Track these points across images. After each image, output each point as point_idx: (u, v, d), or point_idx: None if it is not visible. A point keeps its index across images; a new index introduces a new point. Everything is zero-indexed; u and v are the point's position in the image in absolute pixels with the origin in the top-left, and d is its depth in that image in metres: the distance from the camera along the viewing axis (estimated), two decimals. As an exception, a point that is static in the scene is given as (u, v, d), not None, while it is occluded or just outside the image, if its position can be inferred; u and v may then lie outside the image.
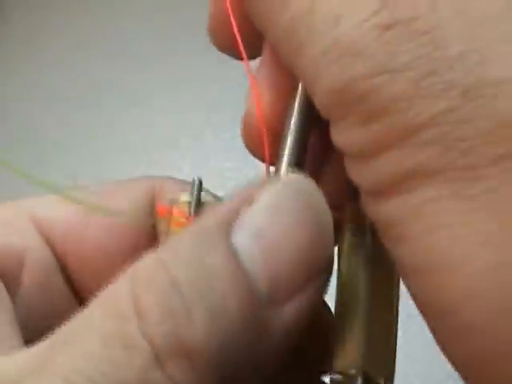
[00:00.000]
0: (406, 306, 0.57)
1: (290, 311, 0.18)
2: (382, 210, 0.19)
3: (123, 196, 0.26)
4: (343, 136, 0.19)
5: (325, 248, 0.19)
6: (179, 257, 0.18)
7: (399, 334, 0.33)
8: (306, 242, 0.19)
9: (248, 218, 0.19)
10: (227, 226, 0.18)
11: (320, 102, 0.19)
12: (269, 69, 0.24)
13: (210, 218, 0.19)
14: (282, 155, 0.22)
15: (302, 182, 0.20)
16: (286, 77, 0.23)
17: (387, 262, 0.22)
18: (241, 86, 0.72)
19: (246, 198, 0.19)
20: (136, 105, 0.65)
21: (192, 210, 0.25)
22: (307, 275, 0.19)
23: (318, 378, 0.23)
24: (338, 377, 0.22)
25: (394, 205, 0.18)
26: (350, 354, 0.22)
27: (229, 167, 0.65)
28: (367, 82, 0.18)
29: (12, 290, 0.22)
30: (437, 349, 0.33)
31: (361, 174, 0.19)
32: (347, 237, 0.24)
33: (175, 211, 0.26)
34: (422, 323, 0.21)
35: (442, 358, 0.33)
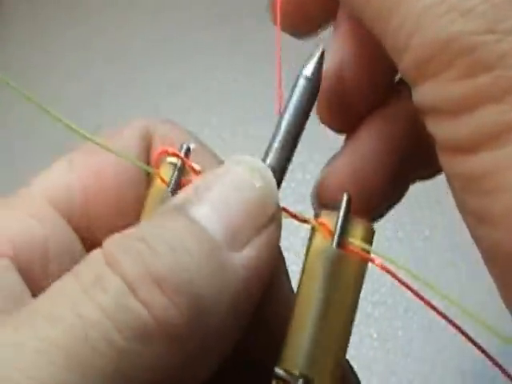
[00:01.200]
0: (406, 306, 0.57)
1: (246, 254, 0.21)
2: (470, 165, 0.20)
3: (118, 142, 0.27)
4: (440, 90, 0.20)
5: (268, 202, 0.23)
6: (144, 226, 0.22)
7: (399, 333, 0.34)
8: (252, 197, 0.22)
9: (201, 195, 0.22)
10: (184, 205, 0.22)
11: (416, 56, 0.20)
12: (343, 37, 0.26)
13: (169, 204, 0.22)
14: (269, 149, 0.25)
15: (247, 159, 0.23)
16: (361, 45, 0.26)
17: (350, 277, 0.24)
18: (241, 86, 0.72)
19: (200, 182, 0.22)
20: (136, 105, 0.65)
21: (174, 177, 0.26)
22: (257, 224, 0.22)
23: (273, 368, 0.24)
24: (281, 372, 0.23)
25: (488, 157, 0.20)
26: (295, 355, 0.23)
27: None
28: (476, 37, 0.19)
29: (38, 283, 0.23)
30: (437, 349, 0.33)
31: (450, 130, 0.20)
32: (315, 242, 0.24)
33: (162, 170, 0.26)
34: (423, 323, 0.20)
35: (443, 357, 0.33)
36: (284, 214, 0.24)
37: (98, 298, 0.20)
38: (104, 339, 0.19)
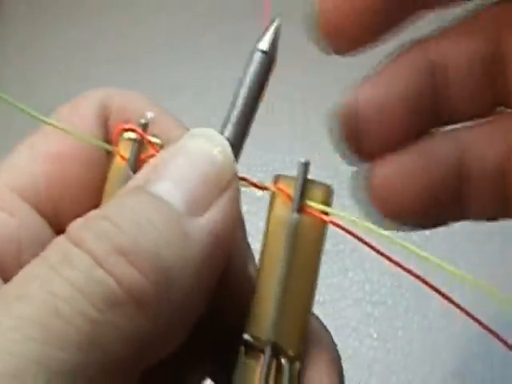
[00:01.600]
0: (406, 306, 0.57)
1: (206, 220, 0.22)
2: None
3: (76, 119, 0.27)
4: None
5: (226, 170, 0.23)
6: (106, 206, 0.22)
7: (399, 333, 0.33)
8: (210, 166, 0.23)
9: (160, 172, 0.23)
10: (145, 184, 0.23)
11: None
12: None
13: (129, 184, 0.23)
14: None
15: (203, 132, 0.24)
16: None
17: (311, 241, 0.25)
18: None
19: (156, 162, 0.23)
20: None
21: (133, 154, 0.26)
22: (216, 190, 0.23)
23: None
24: (249, 338, 0.24)
25: None
26: (262, 322, 0.24)
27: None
28: None
29: (11, 274, 0.23)
30: (437, 349, 0.33)
31: None
32: (276, 208, 0.25)
33: (121, 147, 0.27)
34: (423, 323, 0.21)
35: (443, 357, 0.33)
36: (245, 183, 0.25)
37: (67, 273, 0.20)
38: (77, 312, 0.20)
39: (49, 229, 0.26)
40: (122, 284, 0.20)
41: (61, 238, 0.22)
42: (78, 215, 0.25)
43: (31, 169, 0.26)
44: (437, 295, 0.29)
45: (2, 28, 0.72)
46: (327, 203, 0.25)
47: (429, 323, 0.52)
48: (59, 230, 0.26)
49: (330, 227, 0.25)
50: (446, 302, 0.24)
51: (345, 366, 0.48)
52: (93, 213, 0.22)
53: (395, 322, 0.53)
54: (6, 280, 0.23)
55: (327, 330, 0.27)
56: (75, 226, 0.22)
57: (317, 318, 0.27)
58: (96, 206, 0.26)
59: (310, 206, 0.25)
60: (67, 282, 0.20)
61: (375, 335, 0.52)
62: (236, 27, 0.67)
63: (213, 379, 0.30)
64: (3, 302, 0.20)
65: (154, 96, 0.74)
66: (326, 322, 0.29)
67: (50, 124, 0.26)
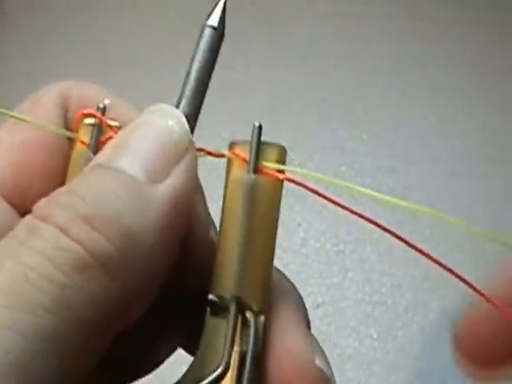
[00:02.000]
0: (406, 306, 0.57)
1: (166, 186, 0.23)
2: None
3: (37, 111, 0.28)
4: None
5: (182, 139, 0.25)
6: (70, 183, 0.23)
7: (399, 333, 0.33)
8: (167, 137, 0.24)
9: (120, 149, 0.24)
10: (106, 162, 0.23)
11: None
12: None
13: (91, 163, 0.24)
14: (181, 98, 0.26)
15: (159, 107, 0.25)
16: None
17: (268, 200, 0.26)
18: (240, 87, 0.72)
19: (117, 141, 0.24)
20: (137, 104, 0.65)
21: (93, 138, 0.27)
22: (174, 158, 0.24)
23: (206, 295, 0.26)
24: (214, 298, 0.25)
25: None
26: (225, 280, 0.25)
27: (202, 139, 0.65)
28: None
29: None
30: (437, 349, 0.33)
31: None
32: (232, 172, 0.26)
33: (81, 133, 0.27)
34: (423, 323, 0.21)
35: (443, 357, 0.33)
36: (202, 153, 0.26)
37: (34, 244, 0.21)
38: (45, 278, 0.20)
39: (17, 217, 0.27)
40: (88, 249, 0.21)
41: (28, 216, 0.23)
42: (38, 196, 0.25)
43: None
44: (436, 296, 0.29)
45: (3, 29, 0.72)
46: (281, 162, 0.26)
47: (429, 323, 0.52)
48: (25, 214, 0.26)
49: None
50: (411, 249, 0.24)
51: (345, 366, 0.48)
52: (57, 190, 0.23)
53: (395, 322, 0.53)
54: None
55: (289, 281, 0.28)
56: (40, 203, 0.23)
57: (279, 270, 0.27)
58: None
59: (266, 166, 0.26)
60: (35, 251, 0.21)
61: (375, 335, 0.53)
62: (236, 28, 0.67)
63: (185, 348, 0.30)
64: None
65: (154, 95, 0.74)
66: (326, 322, 0.29)
67: (12, 116, 0.27)
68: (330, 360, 0.27)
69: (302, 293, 0.29)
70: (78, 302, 0.21)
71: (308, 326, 0.27)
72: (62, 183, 0.27)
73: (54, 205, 0.22)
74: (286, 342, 0.25)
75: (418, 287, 0.52)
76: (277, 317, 0.25)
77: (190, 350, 0.30)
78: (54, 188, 0.27)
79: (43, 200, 0.23)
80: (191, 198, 0.25)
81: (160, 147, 0.24)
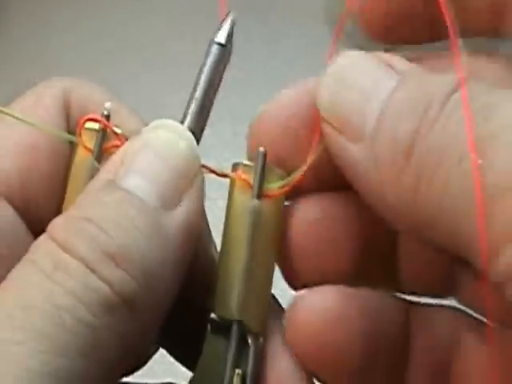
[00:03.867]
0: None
1: (180, 214, 0.23)
2: None
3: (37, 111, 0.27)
4: None
5: (192, 161, 0.24)
6: (85, 206, 0.23)
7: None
8: (177, 159, 0.24)
9: (129, 166, 0.24)
10: (116, 178, 0.23)
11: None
12: None
13: (100, 178, 0.24)
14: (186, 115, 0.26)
15: (167, 123, 0.25)
16: None
17: (271, 225, 0.26)
18: (240, 87, 0.72)
19: (121, 156, 0.24)
20: (136, 105, 0.65)
21: (97, 144, 0.27)
22: (186, 182, 0.24)
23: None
24: (216, 318, 0.25)
25: None
26: (227, 303, 0.25)
27: (228, 166, 0.65)
28: None
29: None
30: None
31: None
32: (235, 194, 0.26)
33: (83, 138, 0.27)
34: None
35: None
36: (204, 170, 0.26)
37: (63, 282, 0.21)
38: (78, 320, 0.21)
39: (21, 221, 0.27)
40: (114, 288, 0.21)
41: (47, 241, 0.22)
42: (47, 204, 0.26)
43: (3, 161, 0.27)
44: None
45: (2, 24, 0.72)
46: (284, 186, 0.26)
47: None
48: (29, 219, 0.26)
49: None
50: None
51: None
52: (74, 212, 0.23)
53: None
54: None
55: (280, 305, 0.28)
56: (59, 228, 0.22)
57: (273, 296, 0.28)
58: (62, 195, 0.27)
59: (269, 189, 0.26)
60: (66, 292, 0.21)
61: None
62: (237, 26, 0.67)
63: (173, 354, 0.31)
64: (4, 311, 0.21)
65: (154, 93, 0.73)
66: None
67: (14, 117, 0.26)
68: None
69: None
70: (107, 342, 0.21)
71: None
72: (64, 186, 0.27)
73: (76, 235, 0.22)
74: (276, 370, 0.26)
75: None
76: (267, 342, 0.26)
77: (178, 356, 0.31)
78: (56, 191, 0.27)
79: (60, 222, 0.23)
80: (201, 221, 0.25)
81: (171, 171, 0.24)
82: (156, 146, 0.24)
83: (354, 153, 0.23)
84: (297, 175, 0.26)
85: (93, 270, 0.21)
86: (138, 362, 0.23)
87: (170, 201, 0.23)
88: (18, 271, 0.22)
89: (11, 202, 0.27)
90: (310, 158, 0.26)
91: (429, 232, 0.22)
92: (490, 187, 0.20)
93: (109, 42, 0.70)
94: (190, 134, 0.25)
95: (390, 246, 0.27)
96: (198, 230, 0.24)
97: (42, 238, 0.23)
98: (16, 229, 0.26)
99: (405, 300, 0.28)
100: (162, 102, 0.65)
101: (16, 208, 0.27)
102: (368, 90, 0.23)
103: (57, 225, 0.23)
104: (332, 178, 0.26)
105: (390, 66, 0.24)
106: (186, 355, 0.28)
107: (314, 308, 0.26)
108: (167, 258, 0.23)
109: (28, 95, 0.28)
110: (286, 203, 0.27)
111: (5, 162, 0.27)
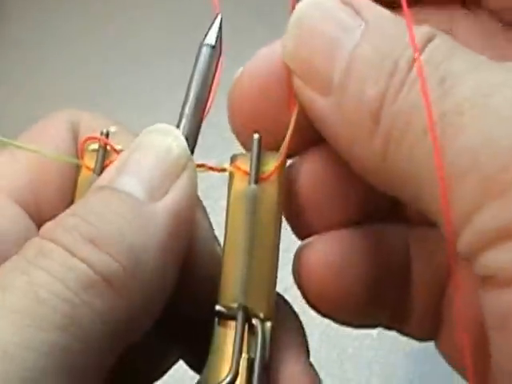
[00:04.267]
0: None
1: (166, 202, 0.24)
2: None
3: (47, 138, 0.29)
4: (503, 259, 0.20)
5: (180, 156, 0.25)
6: (73, 206, 0.24)
7: (399, 333, 0.33)
8: (165, 155, 0.25)
9: (121, 170, 0.24)
10: (108, 183, 0.24)
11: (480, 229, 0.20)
12: None
13: (94, 185, 0.25)
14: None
15: (156, 127, 0.26)
16: None
17: (270, 208, 0.26)
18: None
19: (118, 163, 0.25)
20: (136, 105, 0.65)
21: (98, 161, 0.28)
22: (172, 175, 0.25)
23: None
24: (222, 308, 0.25)
25: None
26: (232, 290, 0.26)
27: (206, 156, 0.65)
28: None
29: None
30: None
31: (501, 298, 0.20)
32: (235, 185, 0.27)
33: (86, 159, 0.28)
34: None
35: (443, 357, 0.33)
36: (203, 168, 0.27)
37: (43, 264, 0.22)
38: (55, 296, 0.21)
39: (35, 228, 0.27)
40: (95, 268, 0.22)
41: (35, 238, 0.23)
42: (58, 214, 0.26)
43: (15, 171, 0.28)
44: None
45: (2, 29, 0.72)
46: (281, 167, 0.26)
47: (429, 323, 0.52)
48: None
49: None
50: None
51: (345, 366, 0.48)
52: (61, 214, 0.24)
53: (395, 322, 0.53)
54: None
55: (290, 307, 0.28)
56: (46, 226, 0.24)
57: (280, 296, 0.28)
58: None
59: (266, 172, 0.26)
60: (44, 271, 0.22)
61: (375, 335, 0.52)
62: (236, 26, 0.67)
63: (185, 360, 0.31)
64: None
65: (153, 95, 0.73)
66: (326, 322, 0.29)
67: (18, 146, 0.27)
68: (330, 360, 0.27)
69: (303, 293, 0.29)
70: (87, 318, 0.21)
71: (307, 356, 0.27)
72: (72, 201, 0.28)
73: (60, 227, 0.23)
74: (286, 378, 0.26)
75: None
76: (277, 349, 0.26)
77: (190, 361, 0.31)
78: (67, 205, 0.27)
79: (49, 223, 0.24)
80: (191, 212, 0.25)
81: (159, 165, 0.25)
82: (144, 146, 0.25)
83: (321, 106, 0.23)
84: (285, 145, 0.26)
85: (72, 253, 0.22)
86: (131, 343, 0.24)
87: (155, 192, 0.24)
88: (6, 262, 0.23)
89: (24, 207, 0.27)
90: (292, 121, 0.26)
91: (397, 192, 0.23)
92: (450, 166, 0.20)
93: (102, 39, 0.70)
94: (177, 131, 0.26)
95: None
96: (186, 219, 0.25)
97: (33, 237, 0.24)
98: (29, 234, 0.27)
99: (403, 224, 0.29)
100: (157, 102, 0.65)
101: (30, 216, 0.27)
102: (334, 37, 0.23)
103: (46, 225, 0.24)
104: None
105: (356, 10, 0.23)
106: (199, 358, 0.28)
107: (322, 251, 0.27)
108: (151, 242, 0.23)
109: (38, 122, 0.29)
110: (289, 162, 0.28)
111: (18, 172, 0.28)
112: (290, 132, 0.26)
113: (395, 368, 0.52)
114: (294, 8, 0.24)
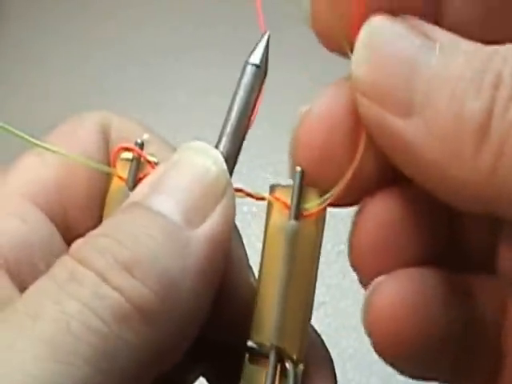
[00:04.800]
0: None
1: (204, 230, 0.23)
2: None
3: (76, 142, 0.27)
4: None
5: (219, 180, 0.24)
6: (105, 224, 0.23)
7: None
8: (204, 178, 0.24)
9: (156, 187, 0.24)
10: (142, 200, 0.23)
11: None
12: None
13: (127, 201, 0.24)
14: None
15: (195, 145, 0.25)
16: None
17: (309, 247, 0.25)
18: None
19: (152, 179, 0.24)
20: (136, 105, 0.65)
21: (131, 174, 0.27)
22: (211, 201, 0.24)
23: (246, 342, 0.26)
24: (254, 345, 0.25)
25: None
26: (265, 328, 0.25)
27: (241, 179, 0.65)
28: None
29: (26, 280, 0.24)
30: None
31: None
32: (273, 217, 0.26)
33: (119, 168, 0.27)
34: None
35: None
36: (241, 194, 0.26)
37: (75, 291, 0.21)
38: (85, 327, 0.20)
39: (58, 235, 0.27)
40: (128, 298, 0.21)
41: (66, 257, 0.22)
42: (85, 223, 0.25)
43: (41, 176, 0.27)
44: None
45: (2, 28, 0.72)
46: (323, 207, 0.25)
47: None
48: (68, 236, 0.26)
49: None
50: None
51: (345, 365, 0.48)
52: (93, 231, 0.23)
53: (395, 322, 0.53)
54: (21, 286, 0.24)
55: (320, 338, 0.27)
56: (77, 245, 0.23)
57: (311, 327, 0.27)
58: (100, 216, 0.27)
59: (307, 209, 0.25)
60: (75, 299, 0.21)
61: (375, 335, 0.52)
62: (237, 26, 0.67)
63: (207, 378, 0.30)
64: (16, 320, 0.21)
65: (153, 95, 0.73)
66: (326, 322, 0.29)
67: (48, 149, 0.26)
68: (329, 360, 0.27)
69: (302, 293, 0.29)
70: (118, 352, 0.21)
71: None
72: (100, 216, 0.27)
73: (92, 249, 0.22)
74: None
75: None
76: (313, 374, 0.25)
77: (211, 379, 0.30)
78: (94, 212, 0.27)
79: (80, 241, 0.23)
80: (228, 241, 0.24)
81: (198, 188, 0.24)
82: (182, 165, 0.24)
83: (403, 129, 0.22)
84: (335, 191, 0.25)
85: (105, 280, 0.21)
86: (161, 374, 0.23)
87: (193, 217, 0.23)
88: (36, 283, 0.22)
89: (49, 215, 0.26)
90: (351, 169, 0.24)
91: (504, 210, 0.21)
92: None
93: (102, 40, 0.70)
94: (217, 153, 0.25)
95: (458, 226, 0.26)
96: (223, 248, 0.24)
97: (63, 255, 0.22)
98: (53, 242, 0.26)
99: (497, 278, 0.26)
100: (157, 103, 0.65)
101: (54, 222, 0.27)
102: (412, 58, 0.22)
103: (77, 243, 0.23)
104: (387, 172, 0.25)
105: (424, 32, 0.22)
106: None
107: (393, 291, 0.25)
108: (187, 272, 0.22)
109: (68, 122, 0.28)
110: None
111: (43, 175, 0.27)
112: (352, 168, 0.24)
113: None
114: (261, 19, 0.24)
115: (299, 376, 0.25)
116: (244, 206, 0.50)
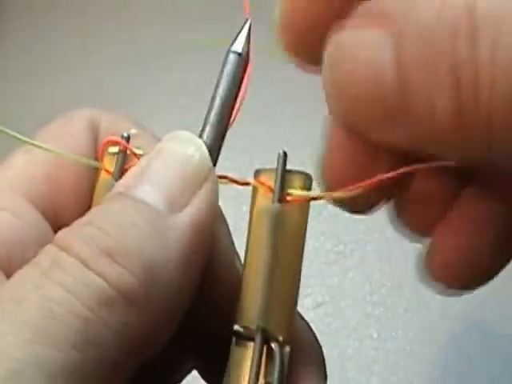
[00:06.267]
0: (406, 306, 0.57)
1: (186, 215, 0.23)
2: None
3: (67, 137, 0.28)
4: None
5: (202, 167, 0.24)
6: (90, 213, 0.23)
7: (399, 333, 0.33)
8: (186, 165, 0.24)
9: (140, 178, 0.24)
10: (126, 190, 0.24)
11: None
12: None
13: (112, 191, 0.24)
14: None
15: (178, 134, 0.25)
16: None
17: (294, 229, 0.25)
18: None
19: (136, 170, 0.24)
20: (136, 105, 0.65)
21: (118, 166, 0.27)
22: (193, 187, 0.24)
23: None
24: (240, 329, 0.25)
25: None
26: (251, 311, 0.25)
27: (228, 167, 0.65)
28: None
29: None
30: (437, 349, 0.33)
31: None
32: (258, 201, 0.26)
33: (106, 162, 0.28)
34: (423, 323, 0.21)
35: (443, 357, 0.33)
36: (226, 180, 0.26)
37: (57, 277, 0.21)
38: (69, 312, 0.20)
39: (50, 229, 0.27)
40: (111, 283, 0.21)
41: (49, 245, 0.23)
42: (74, 217, 0.25)
43: (32, 171, 0.27)
44: (436, 296, 0.29)
45: (2, 29, 0.72)
46: (307, 189, 0.25)
47: (429, 323, 0.52)
48: (58, 230, 0.26)
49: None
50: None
51: (345, 366, 0.48)
52: (77, 221, 0.23)
53: (395, 322, 0.53)
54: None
55: (311, 331, 0.27)
56: (61, 233, 0.23)
57: (302, 319, 0.27)
58: (89, 209, 0.27)
59: (291, 194, 0.25)
60: (58, 285, 0.21)
61: (375, 335, 0.52)
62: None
63: (199, 370, 0.31)
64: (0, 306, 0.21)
65: (153, 95, 0.73)
66: (326, 322, 0.29)
67: (37, 146, 0.27)
68: (330, 360, 0.27)
69: (302, 293, 0.29)
70: (102, 336, 0.21)
71: (325, 383, 0.27)
72: (89, 209, 0.27)
73: (75, 236, 0.22)
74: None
75: (418, 287, 0.52)
76: (295, 374, 0.25)
77: (204, 373, 0.30)
78: (83, 211, 0.26)
79: (64, 230, 0.23)
80: (212, 225, 0.25)
81: (180, 175, 0.24)
82: (165, 154, 0.25)
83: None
84: (329, 193, 0.24)
85: (88, 266, 0.21)
86: (146, 360, 0.23)
87: (175, 204, 0.23)
88: (19, 271, 0.22)
89: (41, 209, 0.27)
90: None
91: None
92: None
93: (102, 41, 0.70)
94: (199, 141, 0.25)
95: None
96: (206, 232, 0.24)
97: (48, 244, 0.23)
98: (45, 237, 0.26)
99: None
100: (156, 103, 0.65)
101: (45, 216, 0.27)
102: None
103: (61, 232, 0.23)
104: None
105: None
106: (214, 372, 0.28)
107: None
108: (170, 256, 0.23)
109: (58, 119, 0.29)
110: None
111: (33, 171, 0.27)
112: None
113: (395, 368, 0.52)
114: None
115: (286, 357, 0.25)
116: (244, 205, 0.50)
